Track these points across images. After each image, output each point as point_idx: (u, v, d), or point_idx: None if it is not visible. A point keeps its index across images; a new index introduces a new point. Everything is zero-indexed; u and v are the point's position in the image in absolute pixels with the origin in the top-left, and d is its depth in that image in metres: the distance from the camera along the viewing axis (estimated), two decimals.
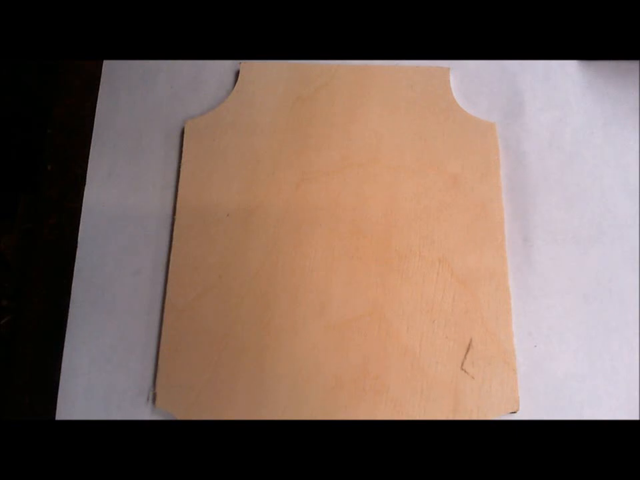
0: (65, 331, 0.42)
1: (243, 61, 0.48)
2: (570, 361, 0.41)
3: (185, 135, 0.46)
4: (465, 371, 0.40)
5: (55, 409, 0.40)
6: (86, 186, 0.45)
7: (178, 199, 0.44)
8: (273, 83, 0.47)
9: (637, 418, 0.39)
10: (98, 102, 0.48)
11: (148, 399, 0.40)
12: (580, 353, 0.41)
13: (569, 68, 0.48)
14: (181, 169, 0.45)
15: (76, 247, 0.44)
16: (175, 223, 0.43)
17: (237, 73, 0.48)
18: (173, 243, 0.43)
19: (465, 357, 0.40)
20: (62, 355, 0.41)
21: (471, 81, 0.48)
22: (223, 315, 0.41)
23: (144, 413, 0.40)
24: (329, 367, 0.40)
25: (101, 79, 0.48)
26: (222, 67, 0.48)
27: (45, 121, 0.47)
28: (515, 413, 0.39)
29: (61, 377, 0.41)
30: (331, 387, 0.39)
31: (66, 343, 0.41)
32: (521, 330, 0.41)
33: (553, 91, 0.48)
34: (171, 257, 0.42)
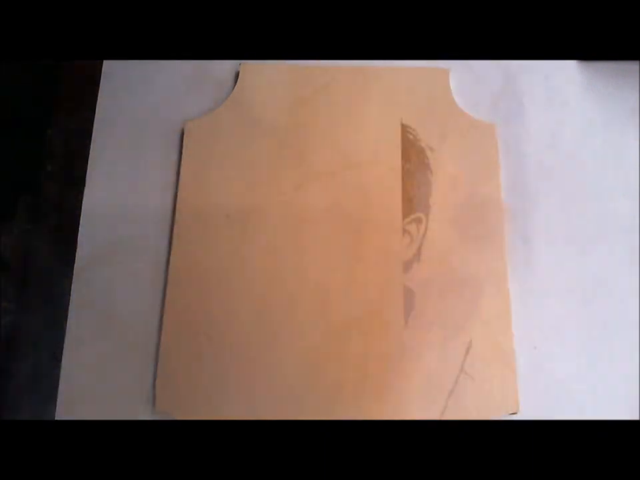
0: (65, 331, 0.42)
1: (243, 62, 0.48)
2: (570, 361, 0.41)
3: (184, 136, 0.46)
4: (465, 372, 0.40)
5: (54, 409, 0.40)
6: (86, 186, 0.45)
7: (178, 199, 0.44)
8: (272, 84, 0.47)
9: (637, 418, 0.39)
10: (98, 102, 0.48)
11: (148, 399, 0.40)
12: (580, 353, 0.41)
13: (569, 68, 0.48)
14: (181, 170, 0.45)
15: (76, 247, 0.44)
16: (175, 223, 0.43)
17: (237, 74, 0.48)
18: (173, 243, 0.43)
19: (465, 358, 0.40)
20: (62, 356, 0.41)
21: (471, 82, 0.48)
22: (223, 315, 0.41)
23: (144, 413, 0.40)
24: (329, 368, 0.40)
25: (101, 79, 0.48)
26: (222, 68, 0.48)
27: (45, 121, 0.47)
28: (514, 413, 0.39)
29: (61, 377, 0.41)
30: (331, 387, 0.39)
31: (66, 344, 0.41)
32: (521, 331, 0.41)
33: (552, 91, 0.48)
34: (171, 257, 0.42)
